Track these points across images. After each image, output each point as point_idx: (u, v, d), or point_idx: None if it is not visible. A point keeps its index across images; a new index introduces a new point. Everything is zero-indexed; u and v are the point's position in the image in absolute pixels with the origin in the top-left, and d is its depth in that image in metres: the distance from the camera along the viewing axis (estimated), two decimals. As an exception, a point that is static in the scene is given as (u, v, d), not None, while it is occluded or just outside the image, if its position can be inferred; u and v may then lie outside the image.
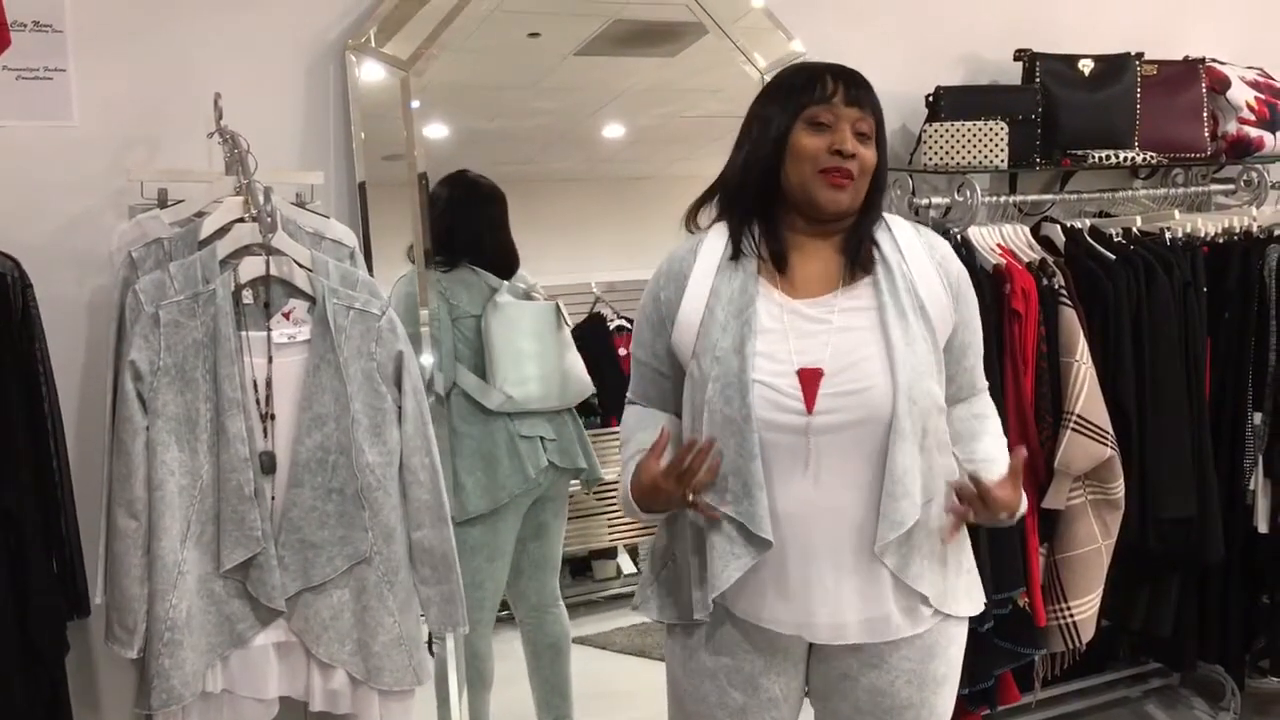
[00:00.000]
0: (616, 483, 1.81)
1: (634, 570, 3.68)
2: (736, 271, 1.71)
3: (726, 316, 1.67)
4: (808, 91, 1.67)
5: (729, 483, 1.64)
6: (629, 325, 3.50)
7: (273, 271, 1.96)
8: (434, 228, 2.53)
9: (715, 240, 1.75)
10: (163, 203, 2.07)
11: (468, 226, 2.64)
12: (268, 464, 1.94)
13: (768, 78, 2.73)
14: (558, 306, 2.81)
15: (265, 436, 1.94)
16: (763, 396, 1.62)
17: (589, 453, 2.86)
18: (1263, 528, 2.85)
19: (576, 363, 2.86)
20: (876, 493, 1.63)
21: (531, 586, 2.84)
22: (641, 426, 1.82)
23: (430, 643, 2.19)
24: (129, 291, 1.91)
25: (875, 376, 1.63)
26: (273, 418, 1.95)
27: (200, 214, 2.03)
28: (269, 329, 1.96)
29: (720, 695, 1.76)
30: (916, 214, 2.71)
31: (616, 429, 3.46)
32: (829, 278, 1.72)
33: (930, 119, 2.80)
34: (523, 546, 2.78)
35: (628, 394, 1.88)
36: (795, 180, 1.68)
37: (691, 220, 1.81)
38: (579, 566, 3.64)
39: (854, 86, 1.69)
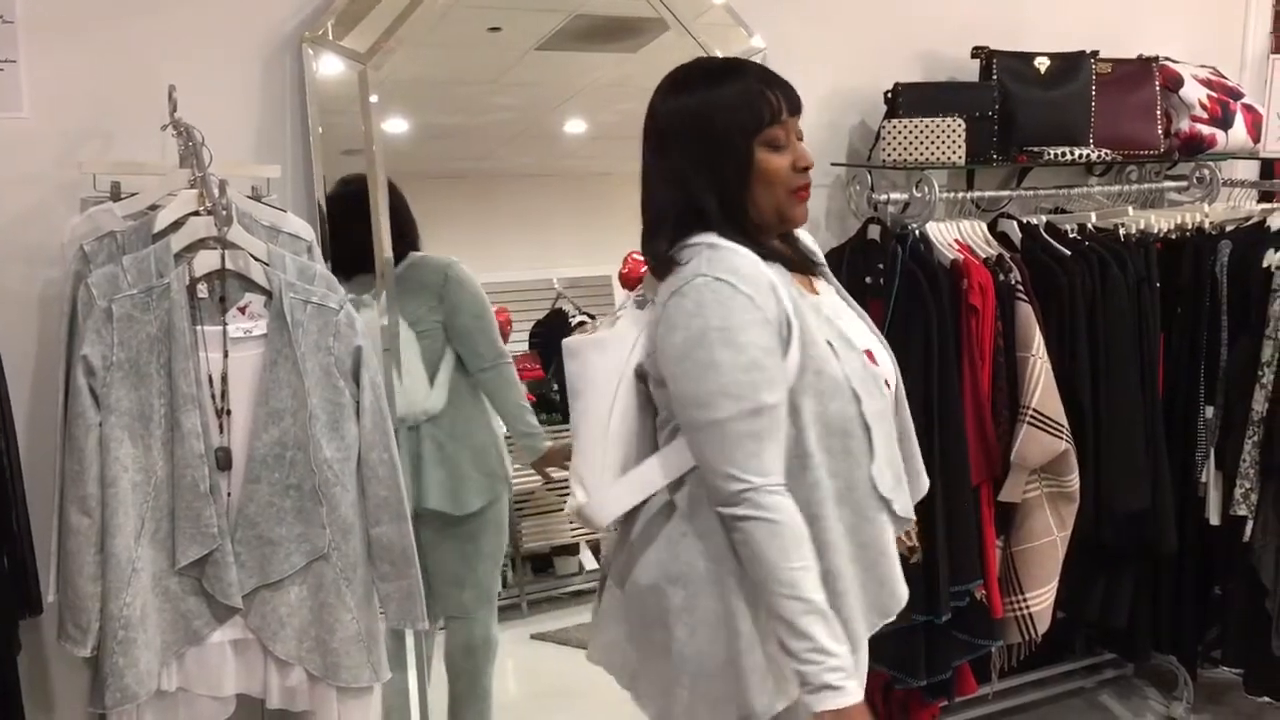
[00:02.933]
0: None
1: (595, 566, 3.68)
2: (779, 272, 1.64)
3: (815, 316, 1.65)
4: (760, 114, 1.60)
5: (887, 477, 1.66)
6: (591, 320, 3.51)
7: (228, 265, 1.94)
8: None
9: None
10: (115, 196, 2.04)
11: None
12: (223, 460, 1.92)
13: (728, 74, 2.75)
14: None
15: (221, 432, 1.92)
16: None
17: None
18: (1215, 520, 2.89)
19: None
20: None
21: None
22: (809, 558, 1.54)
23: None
24: (81, 285, 1.89)
25: (884, 355, 1.74)
26: (228, 413, 1.93)
27: (154, 207, 2.00)
28: (224, 323, 1.94)
29: None
30: (875, 210, 2.73)
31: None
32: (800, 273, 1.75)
33: (889, 115, 2.81)
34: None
35: (767, 478, 1.51)
36: (768, 203, 1.64)
37: (671, 248, 1.63)
38: (541, 563, 3.63)
39: (787, 89, 1.65)
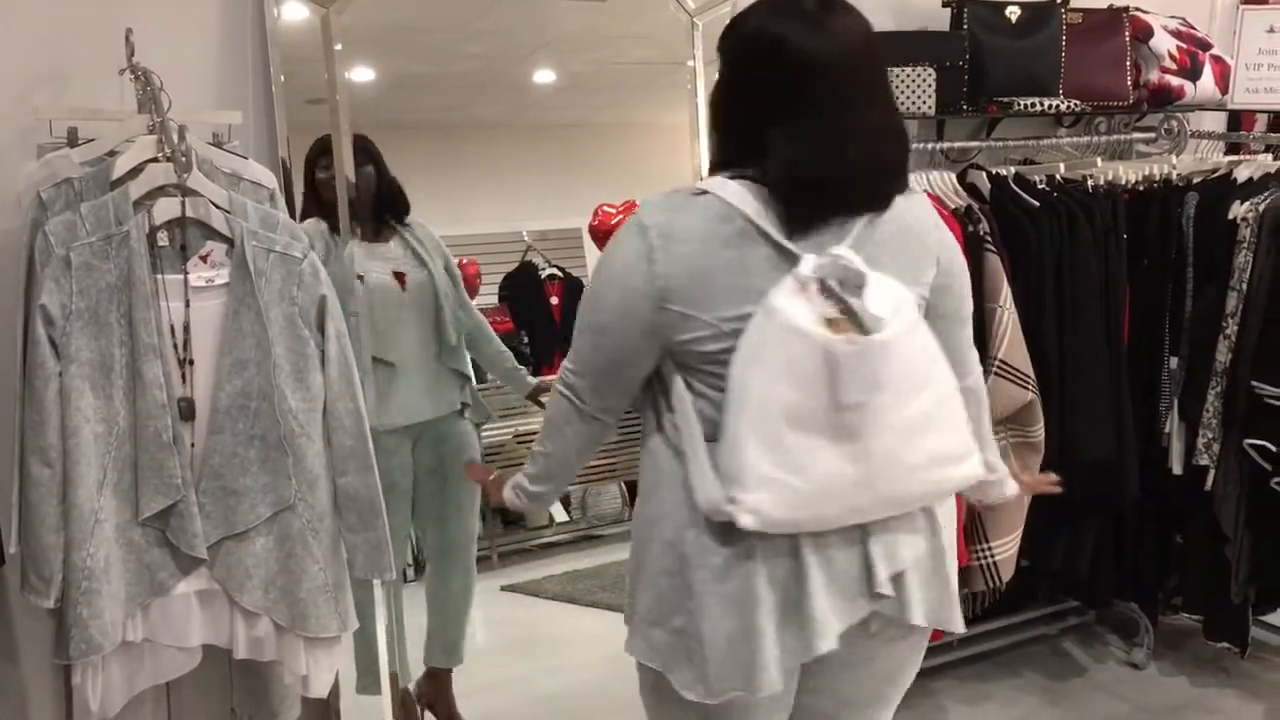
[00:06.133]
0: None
1: (565, 519, 3.70)
2: None
3: None
4: None
5: None
6: (560, 274, 3.50)
7: (189, 213, 1.91)
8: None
9: None
10: (72, 141, 2.00)
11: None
12: (186, 410, 1.90)
13: (698, 22, 2.73)
14: None
15: (184, 382, 1.90)
16: None
17: None
18: (1177, 469, 2.93)
19: None
20: None
21: None
22: None
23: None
24: (38, 233, 1.85)
25: None
26: (191, 363, 1.91)
27: (112, 153, 1.96)
28: (186, 272, 1.91)
29: None
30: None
31: (549, 376, 3.46)
32: None
33: (859, 65, 2.79)
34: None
35: None
36: None
37: None
38: (511, 516, 3.64)
39: None
